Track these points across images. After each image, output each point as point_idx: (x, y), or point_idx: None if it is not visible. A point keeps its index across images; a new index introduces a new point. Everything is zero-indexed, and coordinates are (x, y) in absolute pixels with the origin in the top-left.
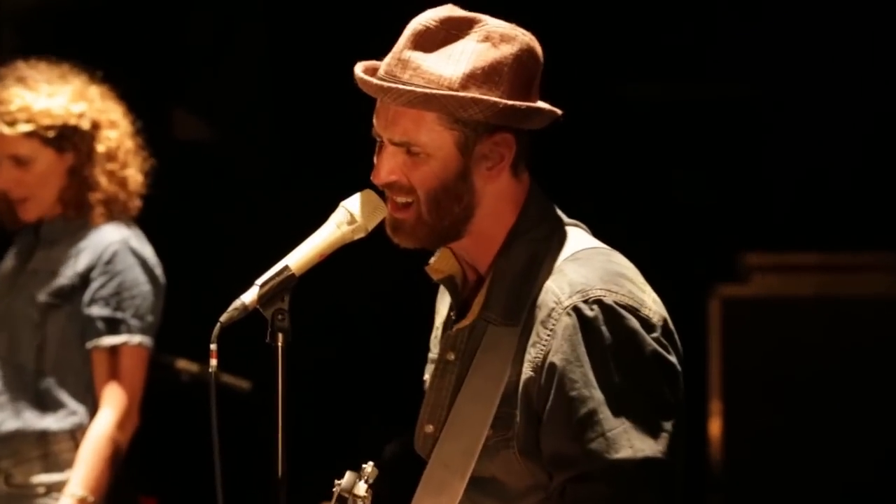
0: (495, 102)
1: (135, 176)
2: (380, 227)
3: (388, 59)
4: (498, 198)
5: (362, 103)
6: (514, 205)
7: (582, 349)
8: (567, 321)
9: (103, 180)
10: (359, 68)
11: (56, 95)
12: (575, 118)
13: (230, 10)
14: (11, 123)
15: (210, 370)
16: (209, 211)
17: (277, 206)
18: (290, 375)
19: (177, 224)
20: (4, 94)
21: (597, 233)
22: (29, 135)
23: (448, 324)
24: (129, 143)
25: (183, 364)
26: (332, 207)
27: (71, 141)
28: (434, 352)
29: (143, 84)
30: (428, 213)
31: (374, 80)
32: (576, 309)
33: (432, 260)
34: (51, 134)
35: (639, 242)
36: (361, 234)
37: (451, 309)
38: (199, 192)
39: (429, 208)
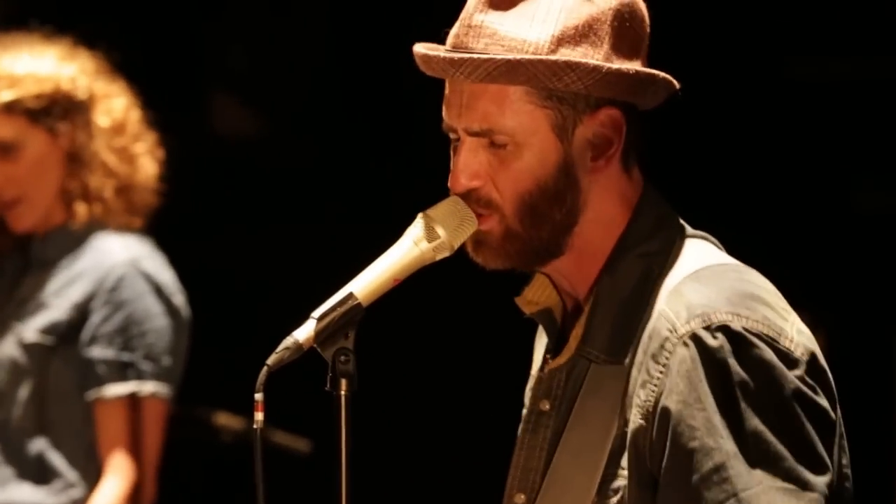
0: (597, 66)
1: (147, 160)
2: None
3: (454, 29)
4: (606, 199)
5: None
6: (624, 209)
7: (704, 388)
8: (683, 353)
9: (112, 160)
10: (419, 47)
11: (41, 57)
12: (728, 105)
13: None
14: None
15: (255, 426)
16: (252, 225)
17: (340, 218)
18: (356, 431)
19: (210, 242)
20: None
21: (750, 250)
22: (11, 108)
23: (543, 367)
24: (136, 117)
25: (223, 419)
26: (408, 219)
27: (66, 114)
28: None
29: (169, 64)
30: (520, 223)
31: (442, 54)
32: (694, 337)
33: (525, 289)
34: (39, 105)
35: (808, 263)
36: (446, 254)
37: (546, 350)
38: (240, 201)
39: (521, 216)
